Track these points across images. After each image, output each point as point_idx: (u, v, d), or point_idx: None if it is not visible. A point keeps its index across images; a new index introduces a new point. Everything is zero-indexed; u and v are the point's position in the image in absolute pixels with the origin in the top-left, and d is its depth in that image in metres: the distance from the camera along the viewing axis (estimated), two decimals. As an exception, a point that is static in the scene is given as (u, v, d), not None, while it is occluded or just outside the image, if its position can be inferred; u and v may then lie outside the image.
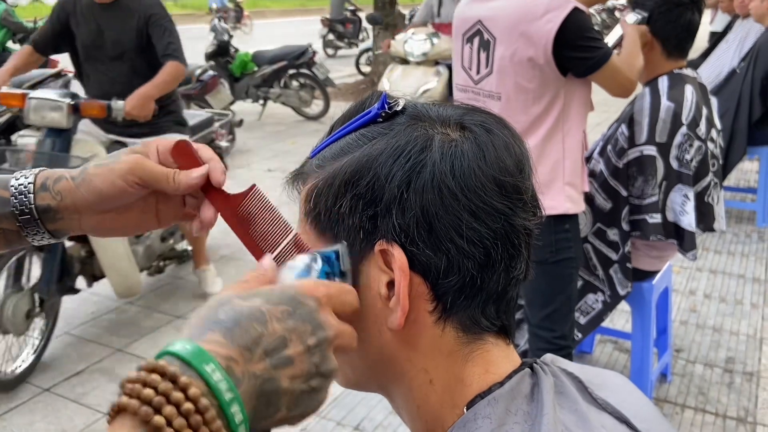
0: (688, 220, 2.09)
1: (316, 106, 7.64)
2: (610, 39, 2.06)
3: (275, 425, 0.45)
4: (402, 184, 0.51)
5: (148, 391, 0.38)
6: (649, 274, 2.31)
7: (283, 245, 0.56)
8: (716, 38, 4.78)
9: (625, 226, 2.15)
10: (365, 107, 0.59)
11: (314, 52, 7.29)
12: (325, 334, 0.46)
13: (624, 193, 2.14)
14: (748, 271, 3.61)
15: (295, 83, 7.54)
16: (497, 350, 0.56)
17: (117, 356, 2.85)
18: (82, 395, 2.57)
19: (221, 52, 7.43)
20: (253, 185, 0.59)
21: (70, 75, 5.23)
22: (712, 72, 4.21)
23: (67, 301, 3.34)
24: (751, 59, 3.95)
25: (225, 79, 7.11)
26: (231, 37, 7.61)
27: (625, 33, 1.98)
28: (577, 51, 1.72)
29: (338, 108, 7.33)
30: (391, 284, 0.53)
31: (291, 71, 7.36)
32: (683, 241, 2.13)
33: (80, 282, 2.95)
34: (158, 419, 0.37)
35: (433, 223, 0.51)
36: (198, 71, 6.09)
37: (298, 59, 7.22)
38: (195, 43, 7.08)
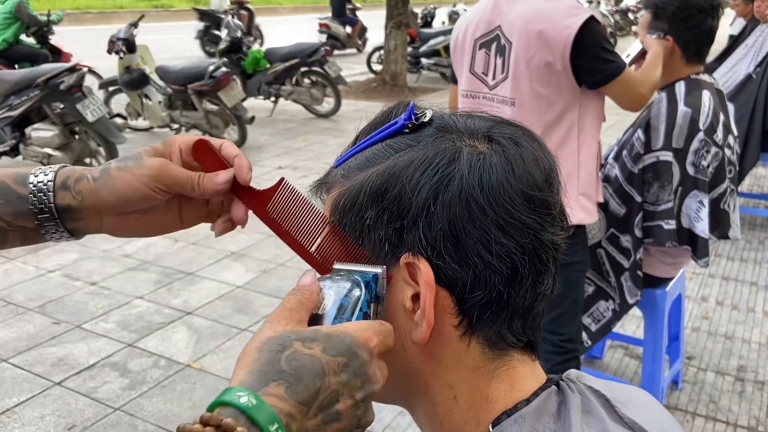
0: (702, 227, 2.08)
1: (327, 103, 7.65)
2: (631, 52, 2.06)
3: None
4: (429, 196, 0.51)
5: None
6: (663, 281, 2.29)
7: (321, 238, 0.55)
8: (731, 42, 4.74)
9: (638, 233, 2.14)
10: (391, 117, 0.59)
11: (326, 50, 7.29)
12: (372, 388, 0.47)
13: (638, 198, 2.12)
14: (761, 278, 3.58)
15: (306, 81, 7.55)
16: (523, 366, 0.55)
17: (128, 351, 2.86)
18: (92, 389, 2.58)
19: (234, 49, 7.44)
20: (282, 179, 0.57)
21: (85, 69, 5.26)
22: (729, 77, 4.17)
23: (78, 295, 3.36)
24: (767, 64, 3.91)
25: (237, 76, 7.13)
26: (244, 34, 7.62)
27: (647, 45, 1.99)
28: (592, 61, 1.72)
29: (349, 106, 7.37)
30: (416, 297, 0.52)
31: (303, 69, 7.36)
32: (696, 247, 2.11)
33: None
34: None
35: (460, 236, 0.50)
36: (211, 68, 6.10)
37: (311, 57, 7.22)
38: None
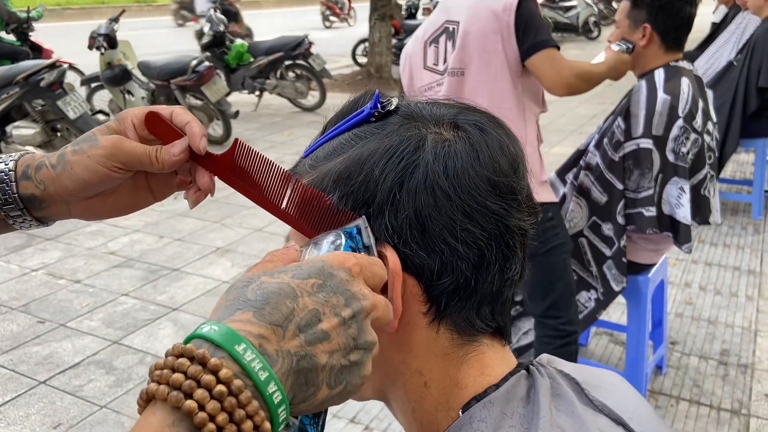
0: (684, 213, 2.09)
1: (313, 97, 7.62)
2: (598, 59, 2.09)
3: (318, 407, 0.43)
4: (395, 184, 0.51)
5: (177, 376, 0.37)
6: (646, 267, 2.31)
7: (289, 193, 0.54)
8: (713, 29, 4.77)
9: (621, 220, 2.15)
10: (358, 106, 0.59)
11: (310, 43, 7.25)
12: (360, 304, 0.44)
13: (620, 186, 2.14)
14: (743, 263, 3.62)
15: (291, 74, 7.51)
16: (492, 352, 0.55)
17: (113, 348, 2.85)
18: (78, 388, 2.57)
19: (217, 43, 7.39)
20: (236, 139, 0.56)
21: (66, 66, 5.20)
22: (711, 64, 4.20)
23: (62, 293, 3.34)
24: (748, 52, 3.94)
25: (221, 71, 7.09)
26: (227, 27, 7.56)
27: (607, 55, 2.06)
28: (526, 28, 1.82)
29: (335, 99, 7.32)
30: (384, 286, 0.52)
31: (287, 62, 7.33)
32: (678, 233, 2.13)
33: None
34: (190, 404, 0.36)
35: (426, 224, 0.50)
36: (194, 62, 6.06)
37: (295, 50, 7.18)
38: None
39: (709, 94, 2.34)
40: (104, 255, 3.85)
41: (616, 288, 2.20)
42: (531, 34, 1.82)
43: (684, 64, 2.16)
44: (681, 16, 2.03)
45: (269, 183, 0.54)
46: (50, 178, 0.57)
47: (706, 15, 5.88)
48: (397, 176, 0.51)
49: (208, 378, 0.37)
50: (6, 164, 0.57)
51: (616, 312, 3.06)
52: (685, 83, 2.09)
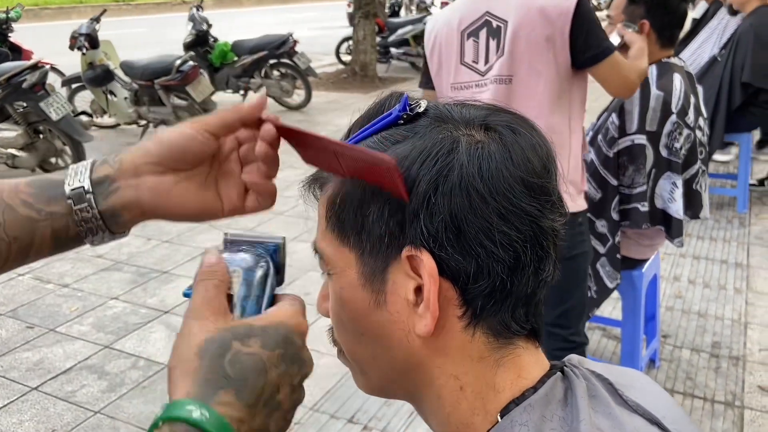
0: (676, 208, 2.12)
1: (298, 96, 7.59)
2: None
3: None
4: (429, 188, 0.50)
5: None
6: (639, 262, 2.33)
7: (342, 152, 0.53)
8: (694, 25, 4.82)
9: (615, 216, 2.17)
10: (384, 109, 0.58)
11: (295, 42, 7.22)
12: (306, 372, 0.50)
13: (614, 182, 2.15)
14: (730, 256, 3.66)
15: (276, 73, 7.48)
16: (528, 354, 0.55)
17: (104, 353, 2.82)
18: (71, 393, 2.54)
19: (200, 42, 7.33)
20: (276, 118, 0.59)
21: (47, 66, 5.13)
22: (693, 60, 4.25)
23: (51, 298, 3.30)
24: (732, 47, 3.99)
25: (204, 70, 7.03)
26: (210, 26, 7.51)
27: (630, 40, 1.96)
28: (587, 37, 1.69)
29: (320, 98, 7.30)
30: (418, 290, 0.52)
31: (271, 61, 7.29)
32: (671, 227, 2.15)
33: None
34: None
35: (461, 227, 0.50)
36: (178, 62, 6.01)
37: (279, 49, 7.14)
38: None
39: (699, 89, 2.36)
40: (91, 258, 3.81)
41: (611, 285, 2.21)
42: (594, 42, 1.70)
43: (675, 60, 2.18)
44: (678, 13, 2.05)
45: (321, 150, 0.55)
46: (129, 152, 0.58)
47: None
48: (431, 179, 0.50)
49: None
50: (84, 164, 0.58)
51: (608, 307, 3.08)
52: (677, 79, 2.11)
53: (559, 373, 0.55)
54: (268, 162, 0.59)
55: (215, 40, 7.47)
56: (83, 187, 0.56)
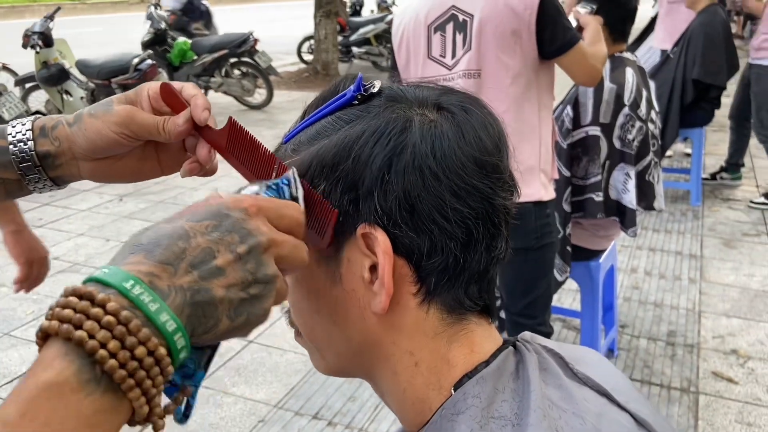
0: (630, 198, 2.17)
1: (259, 95, 7.52)
2: None
3: (222, 337, 0.45)
4: (383, 166, 0.51)
5: (67, 312, 0.39)
6: (596, 253, 2.38)
7: (274, 174, 0.55)
8: (649, 23, 4.95)
9: (567, 207, 2.21)
10: (339, 90, 0.59)
11: (256, 40, 7.16)
12: (256, 240, 0.45)
13: (566, 173, 2.19)
14: (684, 247, 3.77)
15: (236, 72, 7.40)
16: (481, 330, 0.56)
17: (62, 357, 2.75)
18: (26, 398, 2.47)
19: (158, 41, 7.21)
20: (230, 117, 0.58)
21: (-2, 65, 4.98)
22: (647, 57, 4.36)
23: (5, 302, 3.21)
24: (683, 45, 4.10)
25: (163, 69, 6.92)
26: (168, 25, 7.39)
27: (584, 23, 1.98)
28: (553, 28, 1.71)
29: (282, 97, 7.21)
30: (373, 268, 0.53)
31: (232, 60, 7.21)
32: (625, 218, 2.21)
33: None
34: (80, 334, 0.38)
35: (415, 204, 0.51)
36: (136, 60, 5.90)
37: (240, 47, 7.07)
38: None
39: (651, 84, 2.43)
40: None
41: (560, 278, 2.21)
42: (560, 33, 1.70)
43: (628, 55, 2.24)
44: (629, 8, 2.11)
45: (257, 162, 0.56)
46: (65, 135, 0.61)
47: (646, 9, 6.11)
48: (385, 158, 0.51)
49: (95, 311, 0.38)
50: (23, 125, 0.61)
51: (568, 298, 3.14)
52: (629, 73, 2.17)
53: (511, 348, 0.57)
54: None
55: (174, 38, 7.36)
56: (32, 162, 0.61)
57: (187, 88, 0.60)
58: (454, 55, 1.79)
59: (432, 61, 1.82)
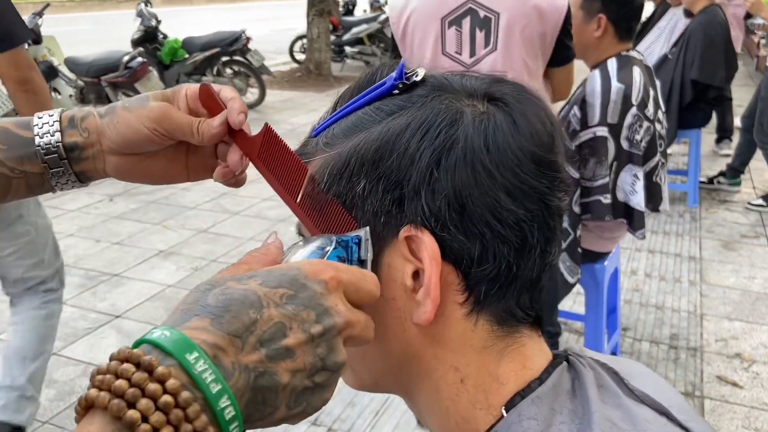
0: (638, 200, 2.13)
1: (252, 94, 7.45)
2: None
3: (272, 425, 0.40)
4: (432, 162, 0.46)
5: (121, 383, 0.33)
6: (601, 256, 2.34)
7: (303, 188, 0.51)
8: (642, 26, 4.93)
9: (576, 209, 2.16)
10: (376, 79, 0.53)
11: (248, 39, 7.08)
12: (332, 321, 0.40)
13: (576, 175, 2.15)
14: (683, 249, 3.74)
15: (228, 71, 7.32)
16: (532, 343, 0.51)
17: (52, 360, 2.66)
18: (15, 404, 2.39)
19: (148, 39, 7.12)
20: (266, 124, 0.55)
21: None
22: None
23: (-7, 304, 3.12)
24: (683, 45, 4.08)
25: (154, 67, 6.83)
26: (159, 22, 7.30)
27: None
28: (567, 38, 1.71)
29: (274, 96, 7.15)
30: (416, 274, 0.48)
31: (224, 58, 7.14)
32: (633, 220, 2.16)
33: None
34: (132, 414, 0.33)
35: (466, 204, 0.46)
36: (126, 58, 5.81)
37: (231, 46, 7.00)
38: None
39: (657, 83, 2.39)
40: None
41: (572, 280, 2.20)
42: (570, 43, 1.69)
43: (634, 53, 2.19)
44: (634, 6, 2.07)
45: (288, 174, 0.51)
46: (95, 126, 0.58)
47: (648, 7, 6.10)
48: (434, 153, 0.46)
49: (153, 387, 0.33)
50: (51, 116, 0.58)
51: (569, 301, 3.10)
52: (636, 72, 2.12)
53: (565, 363, 0.52)
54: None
55: (164, 36, 7.27)
56: (57, 154, 0.57)
57: (226, 91, 0.58)
58: (472, 54, 1.72)
59: (446, 57, 1.75)
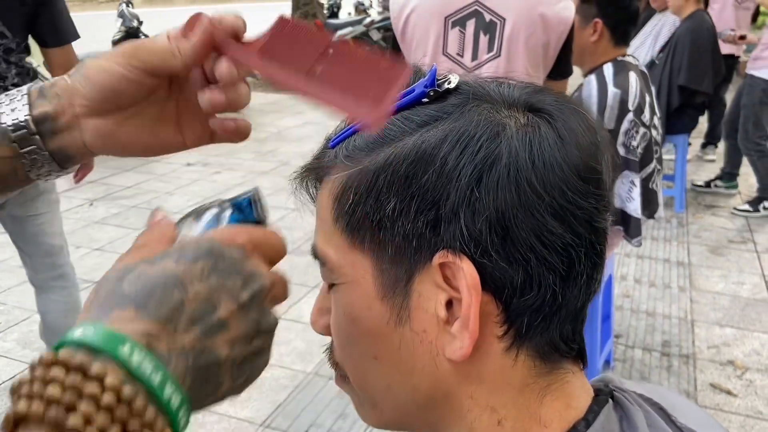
0: (635, 207, 2.10)
1: (235, 96, 7.35)
2: None
3: (218, 401, 0.38)
4: (473, 180, 0.41)
5: (53, 389, 0.30)
6: (596, 263, 2.31)
7: (326, 59, 0.44)
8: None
9: None
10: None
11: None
12: (259, 284, 0.38)
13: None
14: (672, 255, 3.73)
15: (211, 73, 7.23)
16: (576, 379, 0.47)
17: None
18: (-8, 418, 2.30)
19: (130, 39, 7.01)
20: (280, 15, 0.47)
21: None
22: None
23: (-31, 313, 3.02)
24: (669, 50, 4.09)
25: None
26: (141, 23, 7.19)
27: None
28: (568, 51, 1.69)
29: (259, 99, 7.07)
30: (449, 303, 0.43)
31: (207, 60, 7.04)
32: (629, 227, 2.14)
33: None
34: (74, 420, 0.29)
35: (510, 227, 0.41)
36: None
37: (215, 48, 6.90)
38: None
39: (652, 89, 2.37)
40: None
41: None
42: (570, 57, 1.68)
43: (630, 58, 2.17)
44: (630, 11, 2.05)
45: (306, 48, 0.45)
46: (64, 88, 0.50)
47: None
48: (475, 169, 0.41)
49: (91, 387, 0.30)
50: (19, 91, 0.51)
51: (560, 308, 3.07)
52: (632, 77, 2.10)
53: (610, 401, 0.47)
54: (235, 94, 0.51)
55: (146, 37, 7.16)
56: (27, 129, 0.49)
57: (215, 17, 0.49)
58: (474, 57, 1.68)
59: (447, 57, 1.70)
